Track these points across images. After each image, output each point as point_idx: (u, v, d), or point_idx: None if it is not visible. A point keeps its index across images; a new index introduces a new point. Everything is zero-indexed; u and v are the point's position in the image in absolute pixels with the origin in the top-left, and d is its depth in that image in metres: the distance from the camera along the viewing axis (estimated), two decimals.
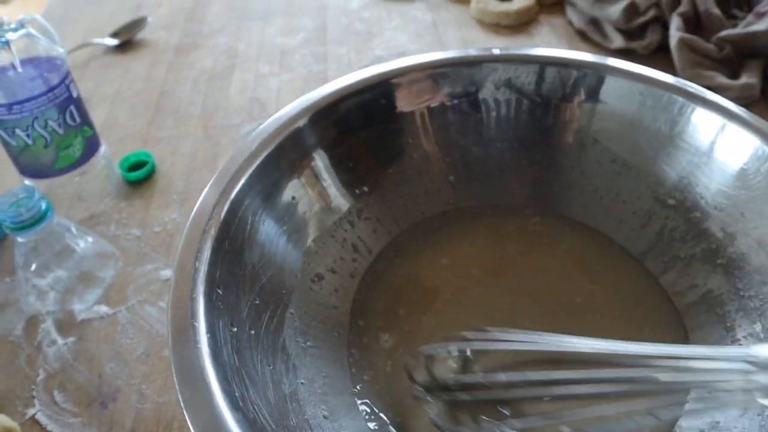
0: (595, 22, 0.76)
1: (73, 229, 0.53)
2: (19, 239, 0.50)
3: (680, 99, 0.48)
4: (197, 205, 0.42)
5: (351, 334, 0.46)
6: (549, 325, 0.40)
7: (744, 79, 0.65)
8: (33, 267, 0.52)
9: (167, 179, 0.63)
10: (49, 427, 0.46)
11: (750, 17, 0.69)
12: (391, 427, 0.41)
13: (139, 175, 0.62)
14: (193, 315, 0.36)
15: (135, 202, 0.61)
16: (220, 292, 0.39)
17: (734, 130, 0.46)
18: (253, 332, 0.39)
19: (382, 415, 0.42)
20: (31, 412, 0.47)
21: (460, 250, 0.51)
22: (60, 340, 0.51)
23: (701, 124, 0.47)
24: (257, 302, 0.41)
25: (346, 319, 0.46)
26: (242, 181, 0.44)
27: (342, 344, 0.45)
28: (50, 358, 0.50)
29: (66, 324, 0.52)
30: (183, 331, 0.35)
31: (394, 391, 0.44)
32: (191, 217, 0.41)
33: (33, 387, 0.48)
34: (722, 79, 0.65)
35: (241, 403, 0.33)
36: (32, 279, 0.53)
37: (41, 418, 0.46)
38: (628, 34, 0.73)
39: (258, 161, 0.45)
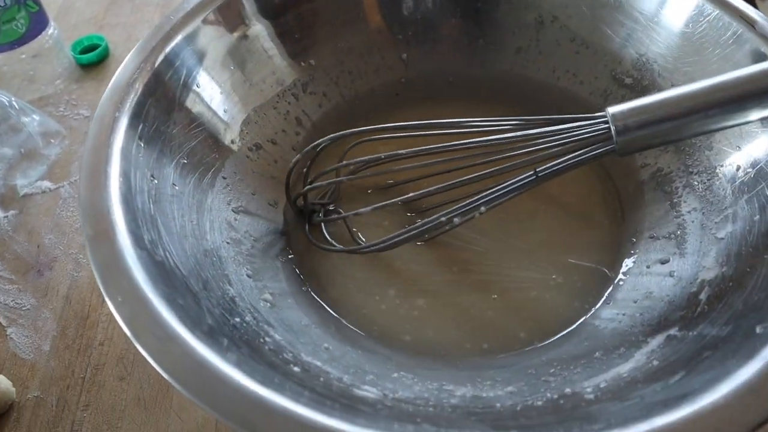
0: None
1: (14, 102, 0.52)
2: None
3: None
4: (126, 59, 0.40)
5: (289, 205, 0.45)
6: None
7: None
8: None
9: (120, 63, 0.61)
10: None
11: None
12: (313, 294, 0.41)
13: (91, 58, 0.60)
14: (107, 161, 0.35)
15: (86, 84, 0.60)
16: (142, 145, 0.37)
17: (701, 6, 0.43)
18: (177, 187, 0.38)
19: (309, 282, 0.42)
20: None
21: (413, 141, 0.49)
22: (1, 214, 0.50)
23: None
24: (185, 161, 0.40)
25: (283, 190, 0.45)
26: (176, 40, 0.42)
27: (278, 213, 0.44)
28: None
29: (8, 198, 0.51)
30: (94, 175, 0.34)
31: (325, 262, 0.43)
32: (119, 69, 0.40)
33: None
34: None
35: (148, 245, 0.32)
36: None
37: None
38: None
39: (193, 22, 0.43)
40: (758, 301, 0.31)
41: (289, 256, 0.42)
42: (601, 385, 0.32)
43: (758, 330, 0.29)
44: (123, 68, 0.40)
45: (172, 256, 0.34)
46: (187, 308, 0.30)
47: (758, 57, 0.39)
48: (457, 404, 0.32)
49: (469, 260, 0.43)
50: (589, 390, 0.32)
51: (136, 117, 0.38)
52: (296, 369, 0.32)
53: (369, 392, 0.31)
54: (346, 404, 0.29)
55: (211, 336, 0.29)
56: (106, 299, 0.29)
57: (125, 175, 0.35)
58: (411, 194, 0.39)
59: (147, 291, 0.29)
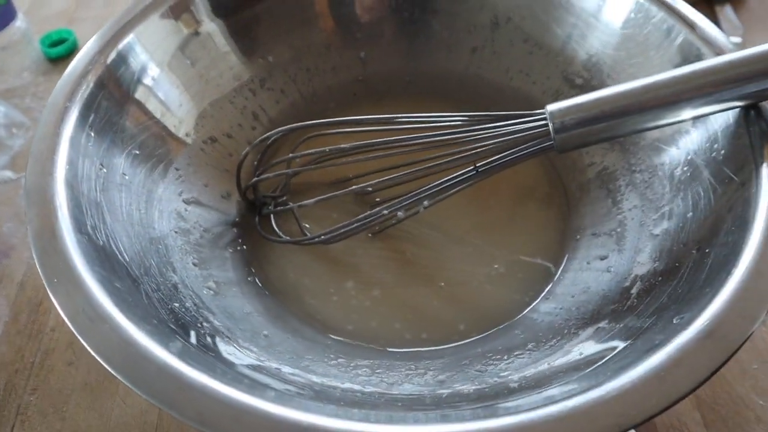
0: None
1: None
2: None
3: None
4: (81, 51, 0.41)
5: (243, 198, 0.46)
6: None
7: None
8: None
9: None
10: None
11: None
12: (259, 284, 0.42)
13: (60, 51, 0.61)
14: (54, 149, 0.35)
15: (54, 77, 0.60)
16: (92, 134, 0.38)
17: (647, 8, 0.44)
18: (126, 177, 0.39)
19: (257, 273, 0.43)
20: None
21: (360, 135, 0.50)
22: None
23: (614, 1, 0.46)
24: (137, 152, 0.41)
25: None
26: (130, 35, 0.43)
27: (230, 205, 0.45)
28: None
29: None
30: (41, 162, 0.35)
31: (274, 254, 0.44)
32: (73, 61, 0.40)
33: None
34: None
35: (90, 231, 0.33)
36: None
37: None
38: None
39: (147, 19, 0.44)
40: (680, 294, 0.32)
41: (238, 248, 0.43)
42: (527, 375, 0.33)
43: (675, 321, 0.30)
44: (77, 60, 0.40)
45: (114, 242, 0.35)
46: (123, 291, 0.31)
47: (697, 58, 0.40)
48: (385, 391, 0.33)
49: (417, 254, 0.43)
50: (515, 380, 0.32)
51: (88, 108, 0.39)
52: (228, 356, 0.32)
53: (299, 377, 0.32)
54: (274, 387, 0.30)
55: (143, 319, 0.30)
56: (43, 280, 0.30)
57: (72, 163, 0.35)
58: (353, 187, 0.40)
59: (83, 273, 0.30)
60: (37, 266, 0.30)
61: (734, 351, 0.27)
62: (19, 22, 0.59)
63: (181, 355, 0.28)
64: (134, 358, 0.27)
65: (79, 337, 0.28)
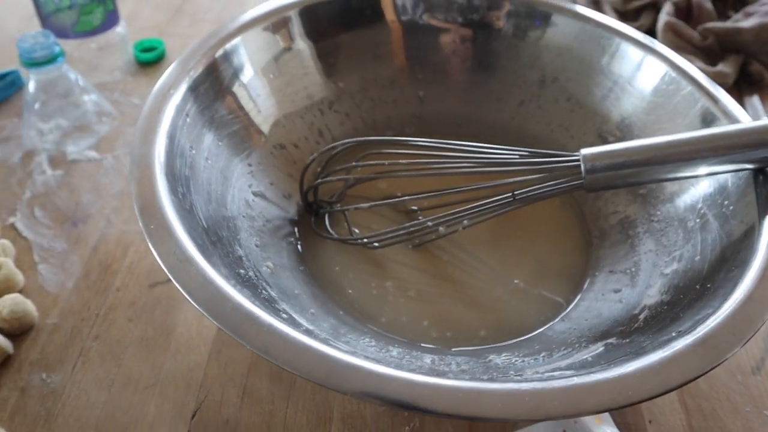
0: (595, 0, 0.81)
1: (79, 81, 0.59)
2: (32, 75, 0.56)
3: (636, 49, 0.53)
4: (188, 49, 0.48)
5: (303, 199, 0.51)
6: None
7: (720, 67, 0.69)
8: (36, 105, 0.58)
9: None
10: (24, 233, 0.52)
11: (739, 15, 0.73)
12: (310, 273, 0.47)
13: (149, 57, 0.69)
14: (158, 123, 0.42)
15: (141, 79, 0.68)
16: (188, 120, 0.44)
17: (677, 81, 0.50)
18: (209, 161, 0.45)
19: (308, 264, 0.48)
20: (11, 219, 0.53)
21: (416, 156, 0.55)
22: (49, 171, 0.57)
23: (650, 72, 0.52)
24: (220, 143, 0.47)
25: (297, 186, 0.51)
26: (233, 41, 0.49)
27: (290, 205, 0.51)
28: (38, 183, 0.56)
29: (57, 160, 0.58)
30: (147, 131, 0.41)
31: (324, 250, 0.49)
32: (182, 55, 0.47)
33: (18, 202, 0.54)
34: (699, 64, 0.69)
35: (180, 195, 0.39)
36: (37, 122, 0.59)
37: (19, 225, 0.52)
38: (623, 14, 0.78)
39: (250, 29, 0.51)
40: (681, 317, 0.37)
41: (293, 241, 0.49)
42: (541, 371, 0.37)
43: (673, 334, 0.34)
44: (186, 55, 0.47)
45: (198, 210, 0.40)
46: (204, 246, 0.36)
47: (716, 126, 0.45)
48: (420, 366, 0.37)
49: (449, 268, 0.48)
50: (530, 373, 0.37)
51: (188, 95, 0.45)
52: (284, 316, 0.37)
53: (341, 347, 0.37)
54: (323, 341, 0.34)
55: (220, 268, 0.35)
56: (141, 225, 0.35)
57: (171, 138, 0.41)
58: (404, 197, 0.46)
59: (174, 223, 0.36)
60: (137, 213, 0.36)
61: (722, 359, 0.31)
62: (120, 28, 0.67)
63: (251, 299, 0.33)
64: (214, 295, 0.32)
65: (168, 274, 0.33)
